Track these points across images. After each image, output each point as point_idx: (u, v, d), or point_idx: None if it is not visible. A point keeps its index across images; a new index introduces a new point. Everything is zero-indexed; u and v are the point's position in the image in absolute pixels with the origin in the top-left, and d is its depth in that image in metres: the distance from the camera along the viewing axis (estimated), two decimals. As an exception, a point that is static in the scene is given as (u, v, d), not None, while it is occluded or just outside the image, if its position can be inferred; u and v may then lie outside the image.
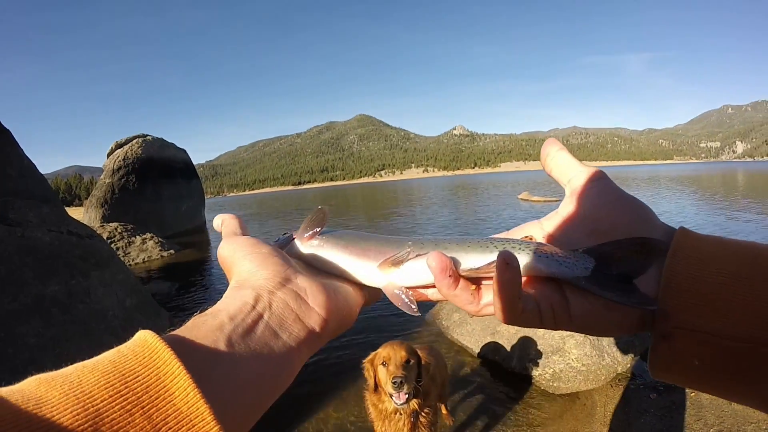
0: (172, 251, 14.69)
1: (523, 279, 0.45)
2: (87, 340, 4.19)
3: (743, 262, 0.38)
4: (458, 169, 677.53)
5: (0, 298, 3.85)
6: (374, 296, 0.56)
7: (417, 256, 0.50)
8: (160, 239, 15.20)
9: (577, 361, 4.27)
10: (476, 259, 0.48)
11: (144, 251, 14.23)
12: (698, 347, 0.37)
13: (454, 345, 5.29)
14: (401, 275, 0.51)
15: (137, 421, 0.28)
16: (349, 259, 0.53)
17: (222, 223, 0.56)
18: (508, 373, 4.56)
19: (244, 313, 0.40)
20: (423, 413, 2.66)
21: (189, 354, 0.34)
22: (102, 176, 21.44)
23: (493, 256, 0.47)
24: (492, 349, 4.84)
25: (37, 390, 0.28)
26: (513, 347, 4.68)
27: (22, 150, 6.69)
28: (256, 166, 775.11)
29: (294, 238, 0.58)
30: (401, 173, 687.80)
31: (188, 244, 16.92)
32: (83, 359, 0.31)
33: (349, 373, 4.59)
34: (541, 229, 0.53)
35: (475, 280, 0.49)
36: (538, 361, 4.39)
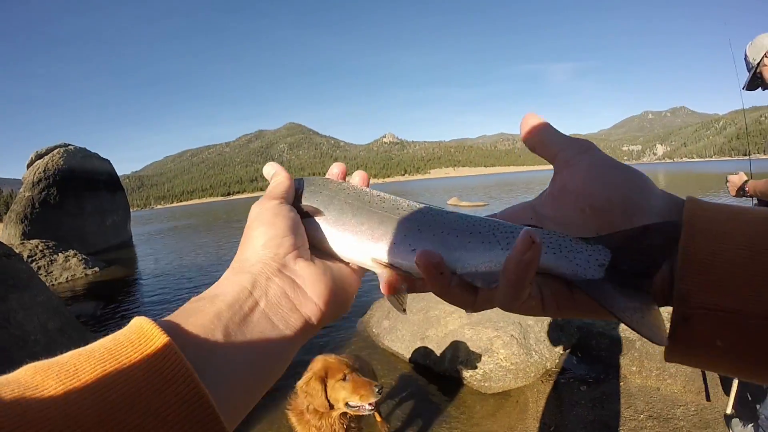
0: (96, 269, 14.14)
1: None
2: (8, 368, 3.96)
3: (759, 233, 0.36)
4: (389, 176, 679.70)
5: None
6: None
7: (413, 250, 0.46)
8: (83, 256, 14.57)
9: (505, 360, 4.40)
10: (476, 258, 0.44)
11: (67, 270, 13.60)
12: (720, 327, 0.35)
13: (385, 352, 5.35)
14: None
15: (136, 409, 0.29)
16: (341, 240, 0.51)
17: (272, 177, 0.55)
18: (440, 376, 4.64)
19: (242, 300, 0.41)
20: (353, 424, 2.68)
21: (185, 342, 0.34)
22: (21, 189, 20.35)
23: (491, 256, 0.43)
24: (422, 353, 4.92)
25: (33, 379, 0.28)
26: (443, 351, 4.77)
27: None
28: (184, 176, 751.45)
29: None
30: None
31: (113, 260, 16.27)
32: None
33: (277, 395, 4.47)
34: (533, 211, 0.49)
35: None
36: (468, 362, 4.49)
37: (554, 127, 0.50)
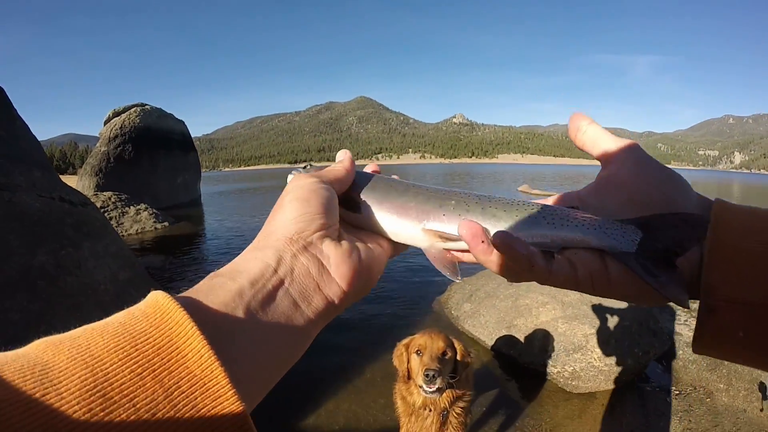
0: (166, 223, 14.41)
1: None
2: (75, 315, 3.88)
3: None
4: (455, 157, 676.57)
5: (-18, 268, 3.52)
6: (401, 248, 0.55)
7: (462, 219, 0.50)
8: (154, 210, 14.91)
9: (599, 360, 4.12)
10: (517, 230, 0.48)
11: (138, 222, 13.93)
12: (743, 319, 0.37)
13: (465, 336, 5.09)
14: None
15: (148, 385, 0.27)
16: (389, 217, 0.52)
17: (335, 164, 0.54)
18: (523, 368, 4.42)
19: (266, 278, 0.39)
20: (455, 413, 2.46)
21: (204, 319, 0.32)
22: (98, 144, 21.15)
23: (534, 231, 0.48)
24: (507, 342, 4.66)
25: (43, 354, 0.26)
26: (530, 342, 4.50)
27: (15, 110, 6.29)
28: (253, 142, 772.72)
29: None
30: (398, 158, 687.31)
31: (183, 217, 16.57)
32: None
33: (360, 358, 4.44)
34: (578, 199, 0.52)
35: None
36: (557, 358, 4.22)
37: (599, 126, 0.52)
